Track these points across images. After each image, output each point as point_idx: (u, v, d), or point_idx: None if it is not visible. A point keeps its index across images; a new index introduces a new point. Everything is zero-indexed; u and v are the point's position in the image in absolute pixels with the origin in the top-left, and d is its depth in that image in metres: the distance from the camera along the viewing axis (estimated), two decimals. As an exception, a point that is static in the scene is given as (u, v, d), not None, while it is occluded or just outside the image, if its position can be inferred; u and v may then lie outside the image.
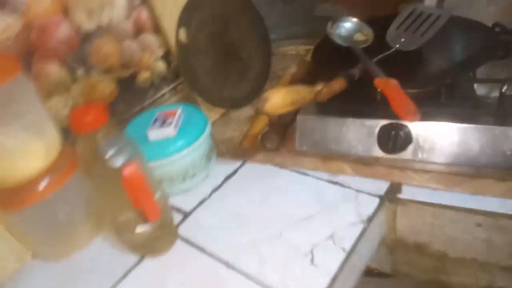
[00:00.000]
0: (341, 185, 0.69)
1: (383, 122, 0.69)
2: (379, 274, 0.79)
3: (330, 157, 0.74)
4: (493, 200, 0.60)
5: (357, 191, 0.67)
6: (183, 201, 0.75)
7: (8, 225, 0.67)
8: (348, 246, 0.58)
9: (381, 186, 0.66)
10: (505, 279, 0.65)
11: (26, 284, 0.67)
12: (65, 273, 0.67)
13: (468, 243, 0.63)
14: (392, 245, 0.72)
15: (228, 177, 0.78)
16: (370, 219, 0.61)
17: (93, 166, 0.60)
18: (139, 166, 0.55)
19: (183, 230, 0.69)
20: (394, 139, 0.68)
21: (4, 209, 0.63)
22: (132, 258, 0.66)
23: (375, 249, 0.68)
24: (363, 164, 0.71)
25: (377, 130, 0.70)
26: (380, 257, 0.73)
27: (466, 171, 0.65)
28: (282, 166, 0.77)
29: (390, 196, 0.65)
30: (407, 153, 0.69)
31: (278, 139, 0.78)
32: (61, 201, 0.65)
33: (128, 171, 0.54)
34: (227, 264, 0.60)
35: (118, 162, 0.54)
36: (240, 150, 0.81)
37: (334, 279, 0.55)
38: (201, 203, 0.74)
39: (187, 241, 0.67)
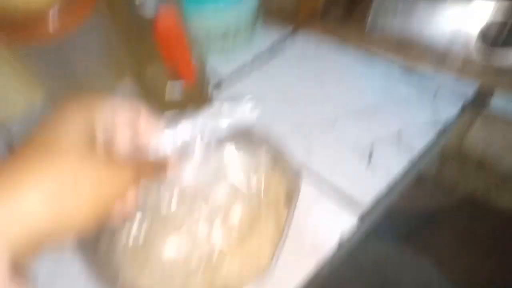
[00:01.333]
0: (420, 76, 0.56)
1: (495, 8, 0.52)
2: (419, 178, 0.73)
3: (409, 44, 0.59)
4: None
5: (438, 87, 0.54)
6: (220, 64, 0.63)
7: (19, 62, 0.57)
8: (417, 149, 0.48)
9: (468, 89, 0.54)
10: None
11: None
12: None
13: (548, 169, 0.54)
14: (450, 154, 0.63)
15: (275, 46, 0.65)
16: (448, 124, 0.50)
17: (118, 5, 0.46)
18: (176, 15, 0.42)
19: (216, 96, 0.59)
20: (502, 32, 0.52)
21: (11, 43, 0.51)
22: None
23: (434, 156, 0.59)
24: (450, 59, 0.57)
25: (483, 20, 0.53)
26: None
27: None
28: (346, 42, 0.62)
29: (476, 103, 0.52)
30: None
31: (346, 7, 0.62)
32: (76, 42, 0.53)
33: (163, 18, 0.40)
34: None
35: (151, 5, 0.41)
36: (294, 14, 0.66)
37: (394, 183, 0.47)
38: (240, 70, 0.62)
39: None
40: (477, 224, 1.18)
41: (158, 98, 0.53)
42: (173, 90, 0.50)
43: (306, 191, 0.47)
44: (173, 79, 0.50)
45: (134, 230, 0.42)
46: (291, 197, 0.41)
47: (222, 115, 0.36)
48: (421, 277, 1.22)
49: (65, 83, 0.57)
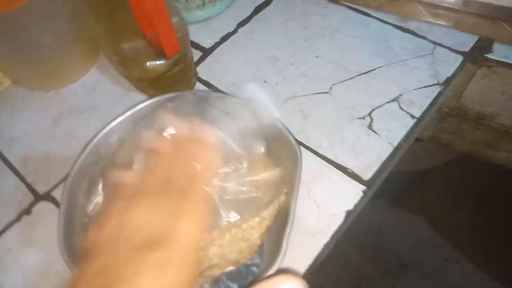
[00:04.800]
0: (414, 33, 0.53)
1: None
2: (416, 141, 0.71)
3: (401, -4, 0.56)
4: None
5: (435, 43, 0.51)
6: (202, 35, 0.58)
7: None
8: (419, 112, 0.46)
9: (466, 41, 0.51)
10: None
11: (9, 110, 0.56)
12: (58, 105, 0.55)
13: (548, 121, 0.53)
14: (447, 112, 0.61)
15: (259, 8, 0.60)
16: (448, 81, 0.48)
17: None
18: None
19: (202, 72, 0.55)
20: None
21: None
22: (135, 95, 0.53)
23: (433, 116, 0.57)
24: (444, 8, 0.54)
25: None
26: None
27: None
28: None
29: (477, 55, 0.50)
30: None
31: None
32: (39, 14, 0.47)
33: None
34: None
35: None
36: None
37: (396, 150, 0.45)
38: (224, 39, 0.58)
39: (208, 84, 0.53)
40: (470, 180, 1.20)
41: (140, 75, 0.49)
42: (156, 64, 0.46)
43: (307, 165, 0.45)
44: (154, 54, 0.46)
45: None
46: (292, 180, 0.39)
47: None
48: (415, 237, 1.24)
49: (30, 62, 0.52)
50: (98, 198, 0.40)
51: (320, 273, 1.18)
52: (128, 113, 0.46)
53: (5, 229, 0.45)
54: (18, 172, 0.49)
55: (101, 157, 0.44)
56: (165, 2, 0.40)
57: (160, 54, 0.45)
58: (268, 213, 0.40)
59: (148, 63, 0.46)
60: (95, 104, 0.54)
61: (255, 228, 0.38)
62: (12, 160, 0.50)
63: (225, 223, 0.36)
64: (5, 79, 0.58)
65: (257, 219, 0.39)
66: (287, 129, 0.41)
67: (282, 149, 0.41)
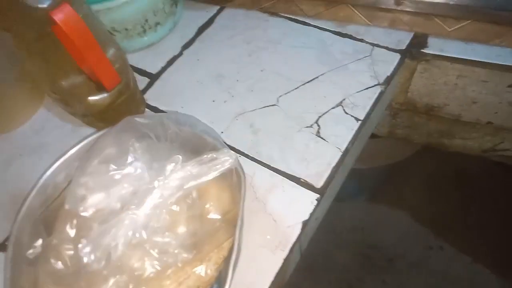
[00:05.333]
0: (353, 37, 0.54)
1: None
2: (372, 136, 0.73)
3: (336, 0, 0.57)
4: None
5: (373, 45, 0.53)
6: (147, 61, 0.58)
7: None
8: (362, 114, 0.47)
9: (402, 39, 0.53)
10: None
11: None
12: (8, 149, 0.54)
13: (491, 106, 0.54)
14: (397, 107, 0.62)
15: (202, 29, 0.60)
16: (388, 80, 0.49)
17: (10, 12, 0.40)
18: (77, 9, 0.37)
19: (151, 98, 0.54)
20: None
21: None
22: (86, 130, 0.52)
23: (382, 113, 0.58)
24: (379, 9, 0.55)
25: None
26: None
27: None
28: (272, 12, 0.59)
29: (414, 51, 0.52)
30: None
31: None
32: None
33: (60, 13, 0.35)
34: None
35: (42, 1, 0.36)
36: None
37: (345, 154, 0.45)
38: (170, 62, 0.58)
39: (157, 110, 0.53)
40: (438, 169, 1.23)
41: (83, 110, 0.48)
42: (98, 98, 0.46)
43: (261, 180, 0.45)
44: (95, 86, 0.46)
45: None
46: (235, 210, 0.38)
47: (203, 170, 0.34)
48: (397, 230, 1.26)
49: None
50: (39, 241, 0.38)
51: (309, 278, 1.18)
52: (73, 150, 0.46)
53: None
54: (-32, 224, 0.48)
55: (49, 197, 0.43)
56: (95, 37, 0.40)
57: (101, 88, 0.45)
58: (226, 244, 0.39)
59: (89, 98, 0.45)
60: (44, 143, 0.53)
61: (212, 260, 0.38)
62: (-38, 212, 0.49)
63: (180, 264, 0.36)
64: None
65: (215, 251, 0.39)
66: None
67: (227, 174, 0.40)
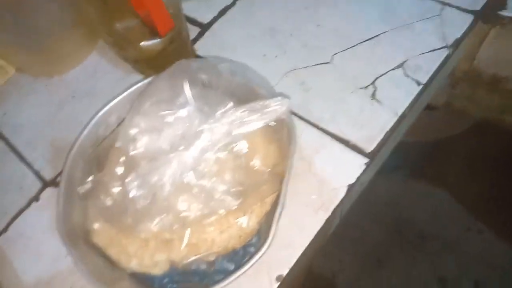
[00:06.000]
0: (421, -3, 0.50)
1: None
2: (428, 107, 0.69)
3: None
4: None
5: (443, 3, 0.48)
6: (199, 10, 0.56)
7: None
8: (425, 78, 0.44)
9: (476, 3, 0.47)
10: None
11: (15, 97, 0.56)
12: (61, 91, 0.56)
13: None
14: (460, 76, 0.58)
15: (257, -21, 0.58)
16: (457, 44, 0.45)
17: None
18: None
19: (200, 48, 0.53)
20: None
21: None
22: (135, 77, 0.53)
23: (443, 81, 0.54)
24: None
25: None
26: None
27: None
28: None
29: (489, 13, 0.47)
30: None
31: None
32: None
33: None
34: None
35: None
36: None
37: (401, 119, 0.43)
38: (222, 13, 0.56)
39: (207, 62, 0.52)
40: (489, 148, 1.16)
41: (135, 55, 0.48)
42: (150, 44, 0.45)
43: (308, 139, 0.44)
44: (148, 33, 0.45)
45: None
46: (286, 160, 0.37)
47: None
48: (435, 208, 1.22)
49: (31, 48, 0.52)
50: (90, 177, 0.40)
51: (337, 246, 1.19)
52: (125, 93, 0.46)
53: (16, 216, 0.46)
54: (25, 159, 0.50)
55: (100, 137, 0.44)
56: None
57: (154, 33, 0.44)
58: (269, 198, 0.39)
59: (142, 43, 0.45)
60: (96, 87, 0.54)
61: (254, 212, 0.38)
62: (19, 147, 0.51)
63: (223, 212, 0.36)
64: (9, 68, 0.59)
65: (258, 204, 0.38)
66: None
67: (277, 126, 0.39)
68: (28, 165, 0.50)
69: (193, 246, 0.36)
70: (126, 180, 0.34)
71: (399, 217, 1.24)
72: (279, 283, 0.37)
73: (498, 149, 1.14)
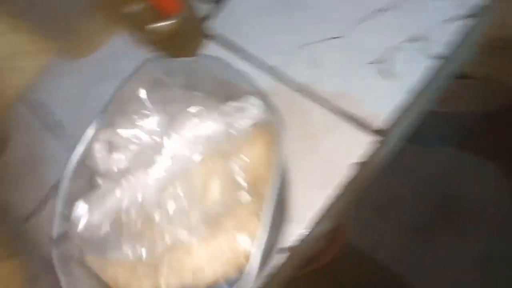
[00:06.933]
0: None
1: None
2: (462, 76, 0.63)
3: None
4: None
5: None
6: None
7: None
8: (442, 50, 0.40)
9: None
10: None
11: (55, 82, 0.61)
12: (90, 72, 0.59)
13: None
14: (493, 44, 0.52)
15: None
16: (478, 13, 0.41)
17: None
18: None
19: (213, 25, 0.53)
20: None
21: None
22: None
23: (470, 51, 0.49)
24: None
25: None
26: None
27: None
28: None
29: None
30: None
31: None
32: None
33: None
34: (272, 72, 0.47)
35: None
36: None
37: (415, 94, 0.40)
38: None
39: (219, 40, 0.52)
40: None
41: (148, 38, 0.50)
42: (157, 26, 0.46)
43: (316, 116, 0.43)
44: (158, 14, 0.46)
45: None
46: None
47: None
48: (483, 184, 1.14)
49: (56, 31, 0.56)
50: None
51: (378, 216, 1.16)
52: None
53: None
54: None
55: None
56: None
57: (162, 16, 0.45)
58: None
59: (150, 26, 0.46)
60: (119, 68, 0.56)
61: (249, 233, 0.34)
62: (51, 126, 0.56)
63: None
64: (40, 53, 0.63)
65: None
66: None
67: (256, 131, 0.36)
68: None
69: (179, 274, 0.33)
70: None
71: (443, 191, 1.18)
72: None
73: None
